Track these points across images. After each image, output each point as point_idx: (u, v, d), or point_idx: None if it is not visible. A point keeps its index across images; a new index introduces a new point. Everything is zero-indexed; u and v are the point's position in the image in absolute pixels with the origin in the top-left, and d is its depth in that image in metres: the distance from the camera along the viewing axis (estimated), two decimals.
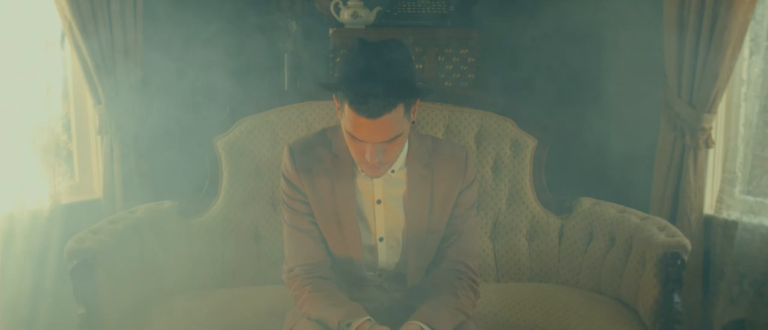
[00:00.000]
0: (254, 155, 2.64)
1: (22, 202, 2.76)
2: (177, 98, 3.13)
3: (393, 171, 2.02)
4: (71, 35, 2.76)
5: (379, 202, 2.03)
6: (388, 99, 1.78)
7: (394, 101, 1.80)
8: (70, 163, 3.09)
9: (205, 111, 2.86)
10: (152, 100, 3.02)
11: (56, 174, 2.85)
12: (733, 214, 2.82)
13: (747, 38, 2.70)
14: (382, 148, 1.86)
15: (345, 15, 3.13)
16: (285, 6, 3.38)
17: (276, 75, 3.40)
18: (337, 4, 3.16)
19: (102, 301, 2.22)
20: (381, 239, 2.05)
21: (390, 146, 1.87)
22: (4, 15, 2.69)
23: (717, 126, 2.91)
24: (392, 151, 1.89)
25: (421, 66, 3.10)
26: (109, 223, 2.44)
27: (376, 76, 1.79)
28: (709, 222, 2.90)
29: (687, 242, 2.29)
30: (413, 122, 1.95)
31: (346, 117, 1.85)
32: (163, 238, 2.53)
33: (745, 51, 2.77)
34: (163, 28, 3.03)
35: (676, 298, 2.26)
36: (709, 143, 2.81)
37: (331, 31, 3.14)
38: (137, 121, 2.95)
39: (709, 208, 2.92)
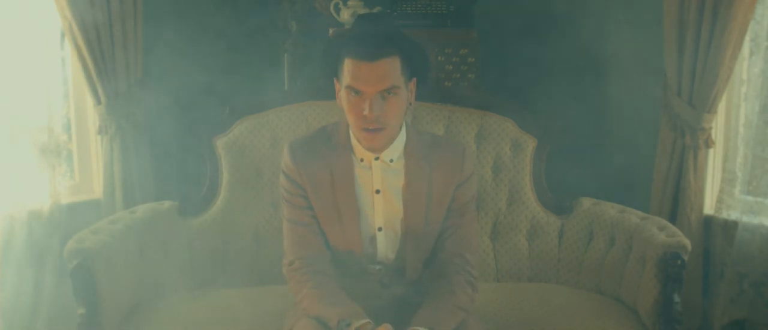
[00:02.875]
0: (254, 155, 2.64)
1: (22, 202, 2.76)
2: (177, 98, 3.13)
3: (392, 160, 2.05)
4: (71, 35, 2.76)
5: (378, 191, 2.06)
6: (384, 44, 1.91)
7: (391, 48, 1.92)
8: (70, 163, 3.09)
9: (205, 111, 2.86)
10: (152, 100, 3.02)
11: (56, 174, 2.85)
12: (733, 214, 2.82)
13: (747, 38, 2.70)
14: (380, 103, 1.92)
15: (345, 15, 3.13)
16: (285, 6, 3.38)
17: (276, 75, 3.40)
18: (337, 4, 3.16)
19: (102, 301, 2.21)
20: (380, 229, 2.07)
21: (388, 102, 1.93)
22: (4, 15, 2.69)
23: (717, 126, 2.90)
24: (390, 109, 1.94)
25: None
26: (109, 223, 2.44)
27: (374, 25, 1.98)
28: (709, 222, 2.89)
29: (687, 242, 2.29)
30: (411, 104, 2.02)
31: (345, 73, 1.94)
32: (163, 238, 2.53)
33: (745, 51, 2.77)
34: (163, 28, 3.03)
35: (676, 298, 2.25)
36: (709, 143, 2.81)
37: (331, 31, 3.14)
38: (137, 121, 2.95)
39: (709, 208, 2.92)
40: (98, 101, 2.88)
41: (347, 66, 1.93)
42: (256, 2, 3.40)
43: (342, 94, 1.98)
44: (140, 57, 2.92)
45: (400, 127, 2.06)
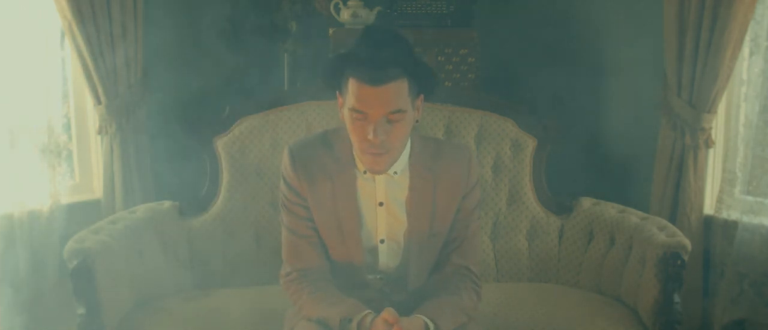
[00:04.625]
0: (254, 155, 2.64)
1: (22, 202, 2.76)
2: (177, 98, 3.13)
3: (396, 172, 2.01)
4: (71, 35, 2.76)
5: (381, 204, 2.02)
6: (392, 68, 1.82)
7: (398, 72, 1.83)
8: (70, 163, 3.09)
9: (205, 111, 2.86)
10: (152, 100, 3.02)
11: (56, 174, 2.85)
12: (733, 214, 2.82)
13: (747, 38, 2.70)
14: (385, 127, 1.85)
15: (345, 15, 3.13)
16: (285, 6, 3.38)
17: (276, 75, 3.40)
18: (337, 4, 3.16)
19: (102, 301, 2.22)
20: (382, 241, 2.05)
21: (394, 126, 1.87)
22: (4, 15, 2.70)
23: (717, 126, 2.90)
24: (396, 133, 1.88)
25: None
26: (109, 223, 2.44)
27: (381, 46, 1.84)
28: (709, 222, 2.89)
29: (687, 242, 2.29)
30: (417, 121, 1.96)
31: (350, 94, 1.86)
32: (163, 238, 2.53)
33: (745, 51, 2.77)
34: (163, 28, 3.03)
35: (676, 298, 2.26)
36: (709, 143, 2.81)
37: (331, 31, 3.13)
38: (137, 121, 2.95)
39: (709, 208, 2.92)
40: (98, 101, 2.88)
41: (352, 87, 1.86)
42: (256, 2, 3.40)
43: (345, 113, 1.91)
44: (140, 57, 2.92)
45: (406, 144, 2.00)
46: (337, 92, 1.95)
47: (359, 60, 1.84)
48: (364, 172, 2.01)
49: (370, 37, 1.88)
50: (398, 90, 1.84)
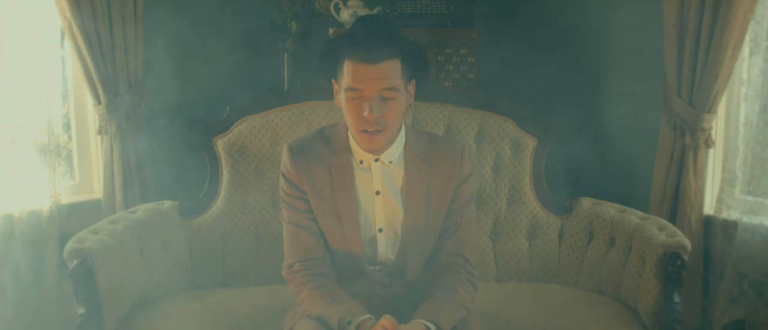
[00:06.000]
0: (254, 155, 2.64)
1: (22, 202, 2.76)
2: (177, 98, 3.13)
3: (391, 162, 2.06)
4: (71, 35, 2.76)
5: (378, 193, 2.06)
6: (385, 47, 1.92)
7: (391, 51, 1.93)
8: (70, 163, 3.09)
9: (205, 111, 2.87)
10: (152, 100, 3.02)
11: (56, 174, 2.85)
12: (733, 214, 2.82)
13: (747, 38, 2.70)
14: (379, 105, 1.93)
15: (345, 15, 3.13)
16: (285, 6, 3.39)
17: (276, 75, 3.40)
18: (337, 4, 3.16)
19: (102, 301, 2.22)
20: (380, 230, 2.08)
21: (388, 104, 1.94)
22: (4, 15, 2.70)
23: (717, 126, 2.90)
24: (390, 111, 1.95)
25: None
26: (109, 223, 2.44)
27: (374, 29, 1.96)
28: (709, 222, 2.90)
29: (687, 242, 2.29)
30: (410, 105, 2.03)
31: (345, 75, 1.94)
32: (163, 238, 2.53)
33: (745, 51, 2.77)
34: (164, 28, 3.03)
35: (676, 298, 2.26)
36: (709, 143, 2.81)
37: (331, 31, 3.14)
38: (137, 121, 2.95)
39: (709, 208, 2.92)
40: (98, 101, 2.88)
41: (347, 68, 1.94)
42: (256, 2, 3.40)
43: (341, 96, 1.98)
44: (140, 57, 2.92)
45: (400, 129, 2.07)
46: (333, 80, 2.03)
47: (354, 41, 1.94)
48: (361, 162, 2.06)
49: (363, 22, 1.99)
50: (391, 69, 1.92)
